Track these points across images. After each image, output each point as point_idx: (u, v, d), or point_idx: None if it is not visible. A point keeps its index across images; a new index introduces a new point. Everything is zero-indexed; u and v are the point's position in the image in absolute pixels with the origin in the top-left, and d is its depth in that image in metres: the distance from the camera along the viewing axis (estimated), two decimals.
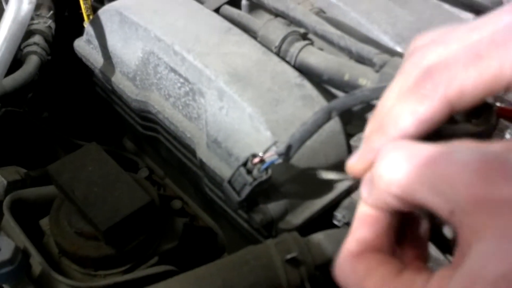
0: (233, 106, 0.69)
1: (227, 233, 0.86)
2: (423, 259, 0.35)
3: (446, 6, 0.87)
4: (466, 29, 0.34)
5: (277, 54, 0.76)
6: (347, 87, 0.69)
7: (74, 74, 1.02)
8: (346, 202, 0.69)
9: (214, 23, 0.80)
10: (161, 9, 0.82)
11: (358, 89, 0.60)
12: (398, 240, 0.35)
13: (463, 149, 0.28)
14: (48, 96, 1.06)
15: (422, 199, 0.29)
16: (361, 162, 0.35)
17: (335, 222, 0.68)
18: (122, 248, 0.69)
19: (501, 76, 0.31)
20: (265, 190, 0.64)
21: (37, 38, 0.95)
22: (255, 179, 0.59)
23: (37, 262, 0.67)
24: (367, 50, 0.68)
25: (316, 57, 0.73)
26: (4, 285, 0.63)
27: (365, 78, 0.66)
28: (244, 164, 0.60)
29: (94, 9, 0.94)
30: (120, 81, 0.86)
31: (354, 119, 0.72)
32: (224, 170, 0.70)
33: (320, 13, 0.84)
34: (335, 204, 0.68)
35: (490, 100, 0.64)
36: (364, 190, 0.34)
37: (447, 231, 0.43)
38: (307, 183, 0.67)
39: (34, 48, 0.93)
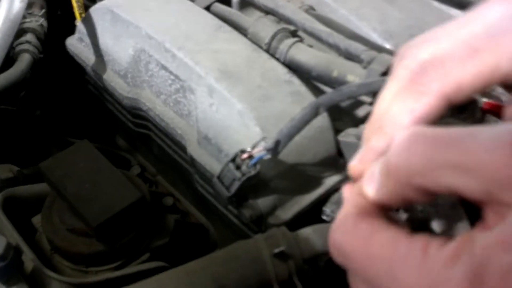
0: (223, 102, 0.69)
1: (219, 229, 0.86)
2: None
3: (435, 3, 0.88)
4: (457, 25, 0.34)
5: (267, 51, 0.76)
6: (336, 83, 0.70)
7: (66, 72, 1.02)
8: (335, 197, 0.69)
9: (204, 21, 0.80)
10: (152, 7, 0.83)
11: (345, 85, 0.60)
12: None
13: (485, 128, 0.27)
14: (41, 94, 1.06)
15: (448, 183, 0.27)
16: (363, 163, 0.34)
17: (324, 217, 0.68)
18: (113, 244, 0.69)
19: (498, 69, 0.31)
20: (254, 186, 0.64)
21: (29, 36, 0.95)
22: (243, 175, 0.59)
23: (29, 259, 0.67)
24: (355, 47, 0.69)
25: (305, 54, 0.74)
26: None
27: (353, 75, 0.67)
28: (233, 160, 0.60)
29: (86, 8, 0.94)
30: (112, 79, 0.87)
31: (343, 116, 0.72)
32: (214, 166, 0.71)
33: (310, 10, 0.85)
34: (324, 199, 0.69)
35: (475, 95, 0.65)
36: (369, 187, 0.32)
37: (435, 226, 0.43)
38: (296, 178, 0.67)
39: (26, 46, 0.93)
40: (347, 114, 0.72)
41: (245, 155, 0.60)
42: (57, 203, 0.73)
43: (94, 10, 0.87)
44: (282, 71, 0.72)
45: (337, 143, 0.69)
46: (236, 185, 0.60)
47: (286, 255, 0.59)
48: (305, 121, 0.58)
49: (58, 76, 1.07)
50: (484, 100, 0.66)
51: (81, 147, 0.75)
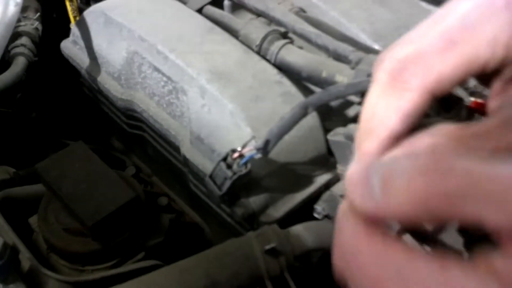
0: (215, 103, 0.71)
1: (213, 228, 0.87)
2: None
3: (424, 4, 0.90)
4: (432, 22, 0.34)
5: (258, 52, 0.78)
6: (325, 83, 0.71)
7: (61, 75, 1.04)
8: (326, 195, 0.71)
9: (196, 23, 0.82)
10: (145, 10, 0.84)
11: (333, 85, 0.62)
12: None
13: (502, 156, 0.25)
14: (36, 96, 1.08)
15: (472, 213, 0.24)
16: (358, 171, 0.32)
17: (315, 215, 0.70)
18: (108, 243, 0.70)
19: (477, 58, 0.32)
20: (246, 184, 0.66)
21: (24, 40, 0.96)
22: (234, 173, 0.61)
23: (26, 258, 0.68)
24: (343, 48, 0.71)
25: (295, 55, 0.75)
26: None
27: (342, 75, 0.68)
28: (224, 159, 0.62)
29: (81, 11, 0.95)
30: (106, 81, 0.88)
31: (332, 115, 0.74)
32: (207, 166, 0.72)
33: (301, 12, 0.86)
34: (315, 197, 0.71)
35: (460, 94, 0.67)
36: (362, 199, 0.28)
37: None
38: (287, 177, 0.69)
39: (21, 49, 0.95)
40: (336, 114, 0.74)
41: (235, 155, 0.61)
42: (53, 203, 0.74)
43: (88, 13, 0.88)
44: (273, 72, 0.74)
45: (327, 142, 0.71)
46: (227, 184, 0.62)
47: (277, 251, 0.61)
48: (294, 121, 0.60)
49: (53, 79, 1.08)
50: (472, 99, 0.68)
51: (76, 149, 0.76)
